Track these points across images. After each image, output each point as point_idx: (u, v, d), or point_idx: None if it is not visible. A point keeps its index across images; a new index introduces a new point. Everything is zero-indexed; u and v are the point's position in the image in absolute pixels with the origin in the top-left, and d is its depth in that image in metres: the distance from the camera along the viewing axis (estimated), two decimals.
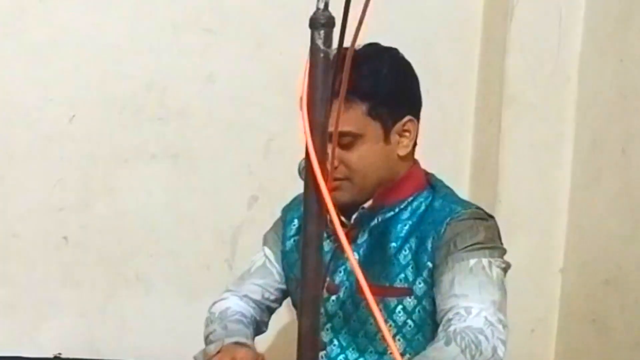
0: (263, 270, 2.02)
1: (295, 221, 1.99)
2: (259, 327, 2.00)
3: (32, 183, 2.57)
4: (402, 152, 1.83)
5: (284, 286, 2.02)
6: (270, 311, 2.04)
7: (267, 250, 2.02)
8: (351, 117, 1.75)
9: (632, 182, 2.40)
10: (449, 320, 1.70)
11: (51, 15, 2.52)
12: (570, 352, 2.64)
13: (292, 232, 1.99)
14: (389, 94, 1.79)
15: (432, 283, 1.80)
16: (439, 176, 1.94)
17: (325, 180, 1.09)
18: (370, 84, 1.76)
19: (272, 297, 2.02)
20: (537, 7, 2.59)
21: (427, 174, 1.92)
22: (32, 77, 2.53)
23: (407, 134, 1.83)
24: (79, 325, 2.63)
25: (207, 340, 1.89)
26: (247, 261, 2.09)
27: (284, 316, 2.39)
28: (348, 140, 1.76)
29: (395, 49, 1.85)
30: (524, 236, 2.60)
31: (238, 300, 1.99)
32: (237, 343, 1.80)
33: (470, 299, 1.71)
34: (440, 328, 1.72)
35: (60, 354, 2.61)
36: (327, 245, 1.85)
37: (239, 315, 1.94)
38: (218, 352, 1.77)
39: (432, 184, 1.90)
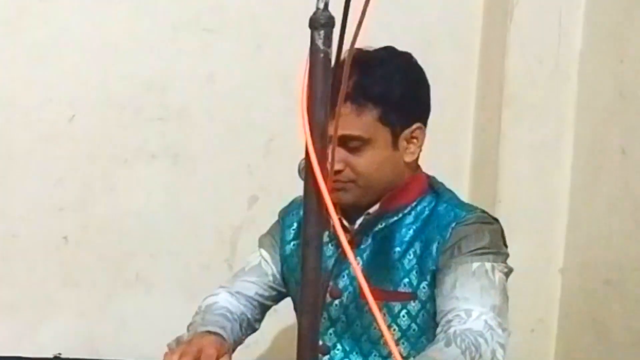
0: (258, 269, 2.01)
1: (295, 225, 1.99)
2: (250, 325, 1.99)
3: (32, 183, 2.57)
4: (409, 158, 1.83)
5: (279, 287, 2.01)
6: (263, 309, 2.03)
7: (264, 252, 2.02)
8: (362, 122, 1.74)
9: (632, 182, 2.40)
10: (449, 321, 1.70)
11: (51, 15, 2.52)
12: (570, 352, 2.64)
13: (292, 236, 1.99)
14: (400, 100, 1.78)
15: (435, 286, 1.79)
16: (439, 177, 1.94)
17: (326, 181, 1.09)
18: (382, 89, 1.75)
19: (266, 294, 2.01)
20: (537, 7, 2.59)
21: (428, 177, 1.92)
22: (32, 77, 2.53)
23: (415, 140, 1.82)
24: (79, 325, 2.63)
25: (186, 330, 1.90)
26: (242, 261, 2.09)
27: (284, 316, 2.38)
28: (357, 145, 1.76)
29: (409, 54, 1.84)
30: (524, 236, 2.60)
31: (229, 297, 1.99)
32: (208, 332, 1.80)
33: (471, 301, 1.71)
34: (440, 329, 1.71)
35: (60, 354, 2.62)
36: (330, 250, 1.85)
37: (224, 310, 1.94)
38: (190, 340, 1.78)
39: (434, 188, 1.89)
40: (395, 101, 1.77)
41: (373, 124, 1.77)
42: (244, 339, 1.97)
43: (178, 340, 1.82)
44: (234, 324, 1.91)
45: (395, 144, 1.80)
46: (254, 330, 2.02)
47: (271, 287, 2.01)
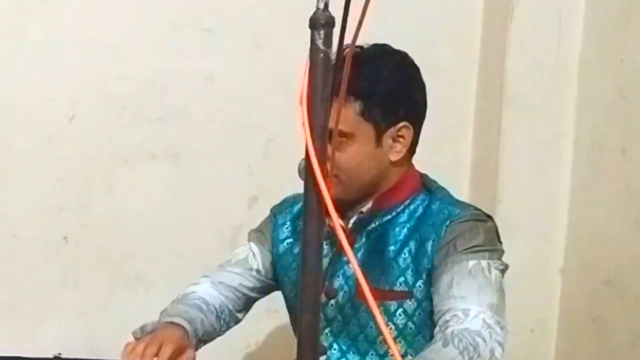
0: (244, 263, 1.99)
1: (288, 224, 1.98)
2: (233, 315, 1.98)
3: (32, 183, 2.56)
4: (394, 157, 1.82)
5: (266, 279, 1.99)
6: (247, 300, 2.00)
7: (253, 246, 2.00)
8: (343, 116, 1.70)
9: (632, 182, 2.40)
10: (447, 321, 1.70)
11: (51, 15, 2.52)
12: (570, 352, 2.64)
13: (285, 234, 1.98)
14: (385, 96, 1.77)
15: (431, 284, 1.79)
16: (439, 176, 1.94)
17: (325, 181, 1.09)
18: (367, 84, 1.74)
19: (251, 285, 1.99)
20: (537, 7, 2.59)
21: (421, 175, 1.91)
22: (32, 77, 2.52)
23: (401, 139, 1.81)
24: (79, 325, 2.63)
25: (159, 315, 1.89)
26: (229, 253, 2.08)
27: (284, 316, 2.38)
28: (338, 139, 1.72)
29: (404, 53, 1.83)
30: (524, 236, 2.60)
31: (209, 287, 1.97)
32: (171, 323, 1.80)
33: (468, 300, 1.71)
34: (437, 329, 1.71)
35: (60, 354, 2.61)
36: (324, 250, 1.84)
37: (199, 300, 1.92)
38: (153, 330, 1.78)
39: (427, 186, 1.89)
40: (380, 97, 1.76)
41: (354, 118, 1.76)
42: (223, 330, 1.96)
43: (142, 329, 1.81)
44: (207, 315, 1.89)
45: (379, 141, 1.79)
46: (238, 321, 2.00)
47: (257, 279, 1.99)
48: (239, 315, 2.01)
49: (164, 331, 1.76)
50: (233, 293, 1.98)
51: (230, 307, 1.97)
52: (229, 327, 1.98)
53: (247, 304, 2.02)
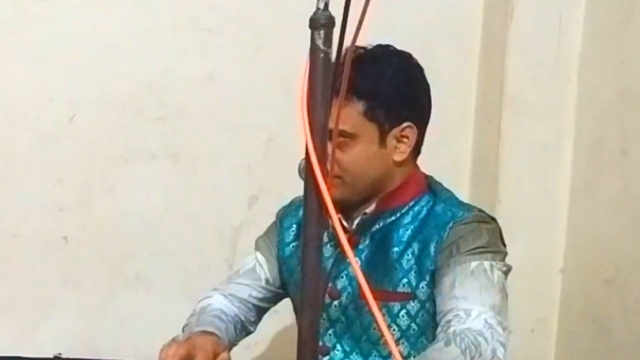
0: (252, 273, 2.00)
1: (294, 227, 1.97)
2: (245, 327, 1.98)
3: (32, 183, 2.56)
4: (398, 157, 1.82)
5: (274, 289, 2.00)
6: (259, 311, 2.01)
7: (259, 256, 2.00)
8: (346, 116, 1.72)
9: (632, 182, 2.40)
10: (449, 321, 1.70)
11: (51, 15, 2.52)
12: (570, 352, 2.64)
13: (291, 238, 1.97)
14: (389, 96, 1.77)
15: (434, 286, 1.79)
16: (439, 176, 1.94)
17: (325, 181, 1.09)
18: (370, 84, 1.75)
19: (260, 296, 1.99)
20: (537, 7, 2.59)
21: (426, 177, 1.91)
22: (32, 77, 2.53)
23: (405, 139, 1.81)
24: (79, 325, 2.63)
25: (181, 331, 1.89)
26: (238, 263, 2.08)
27: (284, 316, 2.39)
28: (342, 140, 1.74)
29: (408, 53, 1.83)
30: (524, 236, 2.60)
31: (222, 299, 1.98)
32: (203, 332, 1.80)
33: (470, 301, 1.71)
34: (439, 329, 1.72)
35: (60, 354, 2.62)
36: (328, 251, 1.84)
37: (218, 311, 1.93)
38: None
39: (432, 187, 1.89)
40: (383, 98, 1.77)
41: (358, 119, 1.76)
42: (237, 342, 1.96)
43: (174, 341, 1.81)
44: (228, 325, 1.90)
45: (382, 142, 1.79)
46: (249, 332, 2.01)
47: (265, 289, 2.00)
48: (251, 328, 2.01)
49: (197, 338, 1.75)
50: (244, 305, 1.99)
51: (243, 319, 1.98)
52: (240, 339, 1.98)
53: (258, 315, 2.02)
